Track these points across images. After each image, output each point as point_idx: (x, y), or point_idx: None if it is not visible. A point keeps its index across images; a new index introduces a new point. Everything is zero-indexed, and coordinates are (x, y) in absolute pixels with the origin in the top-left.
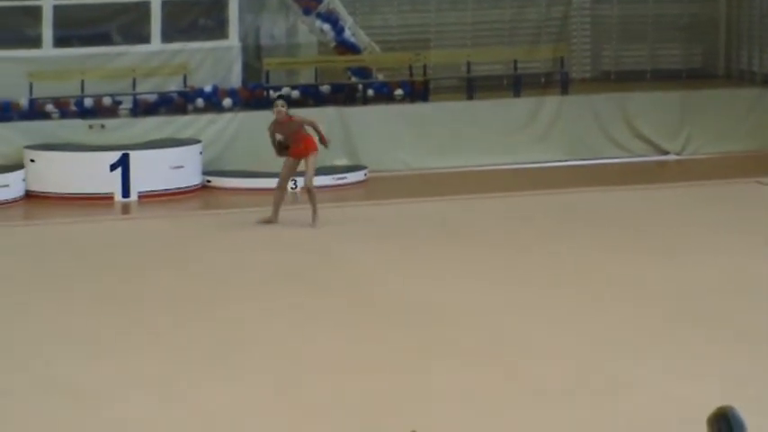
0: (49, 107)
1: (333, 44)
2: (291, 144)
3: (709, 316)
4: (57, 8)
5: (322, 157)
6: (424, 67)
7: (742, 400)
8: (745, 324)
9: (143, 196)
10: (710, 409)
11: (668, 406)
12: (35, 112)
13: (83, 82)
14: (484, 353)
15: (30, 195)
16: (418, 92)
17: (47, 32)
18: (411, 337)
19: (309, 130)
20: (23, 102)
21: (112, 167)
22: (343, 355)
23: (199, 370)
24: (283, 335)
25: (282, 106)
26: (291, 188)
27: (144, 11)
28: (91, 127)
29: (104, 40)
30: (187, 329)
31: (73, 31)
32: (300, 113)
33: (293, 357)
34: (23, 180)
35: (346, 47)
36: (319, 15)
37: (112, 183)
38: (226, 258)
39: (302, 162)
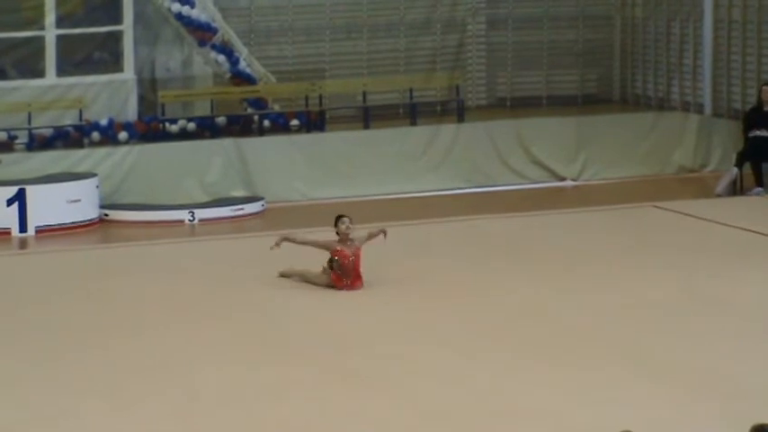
0: None
1: (228, 75)
2: (345, 272)
3: (606, 342)
4: None
5: (217, 188)
6: (320, 96)
7: (641, 425)
8: (642, 349)
9: (40, 231)
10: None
11: (567, 430)
12: None
13: None
14: (376, 377)
15: None
16: (314, 122)
17: None
18: (307, 364)
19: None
20: None
21: (9, 202)
22: (240, 383)
23: (97, 402)
24: (179, 365)
25: (350, 223)
26: (189, 220)
27: (38, 45)
28: None
29: None
30: (84, 362)
31: None
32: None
33: (189, 387)
34: None
35: (242, 78)
36: (214, 47)
37: (9, 218)
38: (125, 291)
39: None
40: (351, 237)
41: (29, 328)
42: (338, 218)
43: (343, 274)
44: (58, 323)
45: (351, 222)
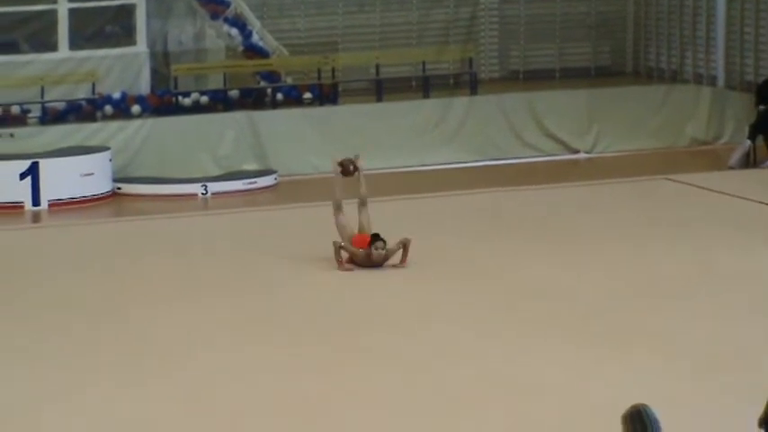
0: None
1: (241, 48)
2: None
3: (619, 317)
4: None
5: (230, 162)
6: (333, 69)
7: (656, 400)
8: (654, 324)
9: (53, 204)
10: (623, 408)
11: (577, 406)
12: None
13: None
14: (397, 356)
15: None
16: (327, 95)
17: None
18: (320, 341)
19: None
20: None
21: (22, 176)
22: (264, 359)
23: (110, 378)
24: (191, 340)
25: (382, 249)
26: (202, 194)
27: (51, 19)
28: (0, 136)
29: (11, 48)
30: (97, 337)
31: None
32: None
33: (200, 365)
34: None
35: (254, 51)
36: (227, 20)
37: (22, 191)
38: (137, 265)
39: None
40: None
41: (41, 303)
42: (374, 240)
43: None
44: (70, 298)
45: (384, 248)
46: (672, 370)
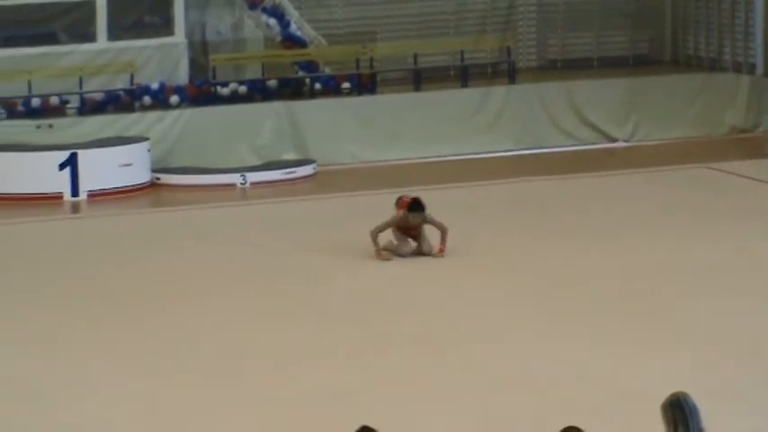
0: None
1: (279, 39)
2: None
3: (657, 302)
4: (2, 8)
5: (269, 152)
6: (371, 59)
7: (689, 388)
8: (694, 312)
9: (92, 195)
10: (661, 396)
11: (612, 392)
12: None
13: (30, 82)
14: (434, 344)
15: None
16: (365, 84)
17: None
18: (359, 330)
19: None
20: None
21: (61, 167)
22: (291, 348)
23: (148, 368)
24: (232, 330)
25: (417, 218)
26: (240, 184)
27: (90, 9)
28: (39, 127)
29: (51, 39)
30: (140, 327)
31: (19, 31)
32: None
33: (242, 352)
34: None
35: (293, 41)
36: (265, 10)
37: (61, 182)
38: (176, 255)
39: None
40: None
41: (81, 293)
42: (413, 207)
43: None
44: (108, 287)
45: (421, 218)
46: (711, 358)
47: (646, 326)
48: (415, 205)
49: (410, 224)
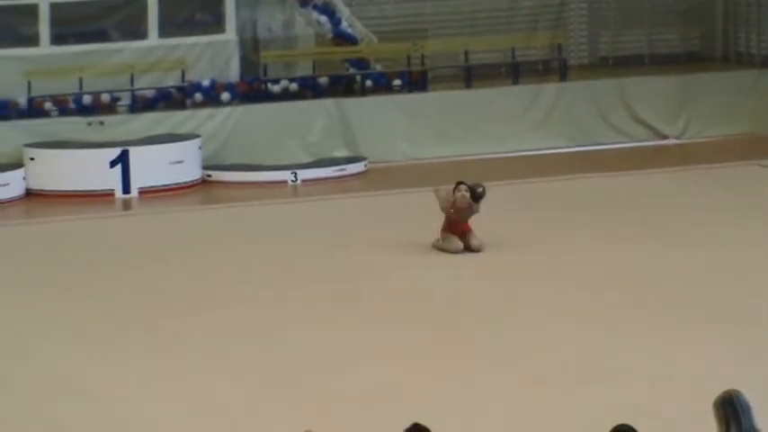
0: (48, 105)
1: (330, 36)
2: (452, 226)
3: (711, 300)
4: (53, 6)
5: (320, 149)
6: (422, 56)
7: (740, 383)
8: (747, 310)
9: (143, 192)
10: (712, 393)
11: (670, 390)
12: (34, 110)
13: (81, 79)
14: (484, 342)
15: (30, 194)
16: (416, 81)
17: (44, 30)
18: (412, 327)
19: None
20: (22, 100)
21: (112, 164)
22: (344, 346)
23: (202, 366)
24: (285, 328)
25: (466, 191)
26: (291, 181)
27: (141, 6)
28: (90, 124)
29: (102, 36)
30: (191, 325)
31: (70, 28)
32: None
33: (295, 351)
34: (23, 178)
35: (343, 38)
36: (316, 7)
37: (113, 179)
38: (228, 252)
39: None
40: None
41: (133, 290)
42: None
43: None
44: (161, 285)
45: (467, 191)
46: (763, 356)
47: (702, 323)
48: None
49: (458, 207)
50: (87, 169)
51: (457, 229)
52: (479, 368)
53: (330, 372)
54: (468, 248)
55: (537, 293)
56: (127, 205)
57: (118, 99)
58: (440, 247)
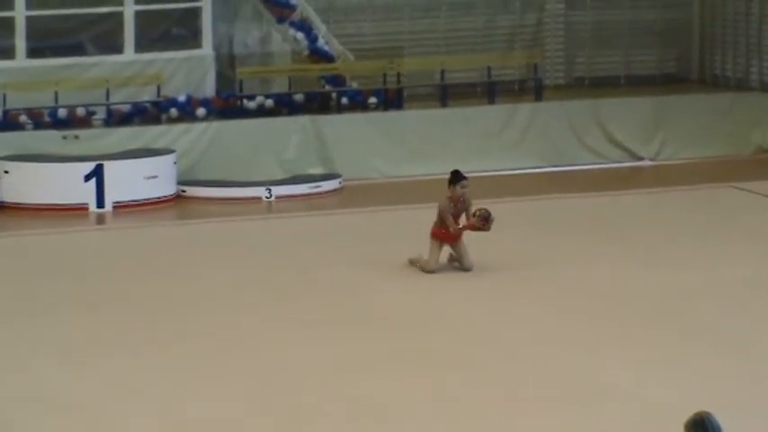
0: (23, 118)
1: (306, 52)
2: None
3: (688, 322)
4: (30, 19)
5: (295, 166)
6: (398, 74)
7: (719, 406)
8: (724, 330)
9: (118, 206)
10: (689, 413)
11: (649, 412)
12: (9, 123)
13: (56, 93)
14: (468, 360)
15: (3, 206)
16: (392, 99)
17: (20, 43)
18: (392, 344)
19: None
20: None
21: (87, 178)
22: (327, 363)
23: (176, 381)
24: (263, 340)
25: (464, 187)
26: (266, 197)
27: (117, 21)
28: (65, 137)
29: (78, 50)
30: (167, 339)
31: (46, 41)
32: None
33: (271, 367)
34: None
35: (320, 55)
36: (293, 24)
37: (87, 193)
38: (201, 268)
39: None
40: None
41: (104, 304)
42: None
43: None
44: (133, 299)
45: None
46: (739, 376)
47: (681, 342)
48: (457, 174)
49: (458, 199)
50: (62, 183)
51: (447, 234)
52: (454, 384)
53: (307, 389)
54: (459, 263)
55: (514, 312)
56: (101, 219)
57: (93, 113)
58: (418, 265)
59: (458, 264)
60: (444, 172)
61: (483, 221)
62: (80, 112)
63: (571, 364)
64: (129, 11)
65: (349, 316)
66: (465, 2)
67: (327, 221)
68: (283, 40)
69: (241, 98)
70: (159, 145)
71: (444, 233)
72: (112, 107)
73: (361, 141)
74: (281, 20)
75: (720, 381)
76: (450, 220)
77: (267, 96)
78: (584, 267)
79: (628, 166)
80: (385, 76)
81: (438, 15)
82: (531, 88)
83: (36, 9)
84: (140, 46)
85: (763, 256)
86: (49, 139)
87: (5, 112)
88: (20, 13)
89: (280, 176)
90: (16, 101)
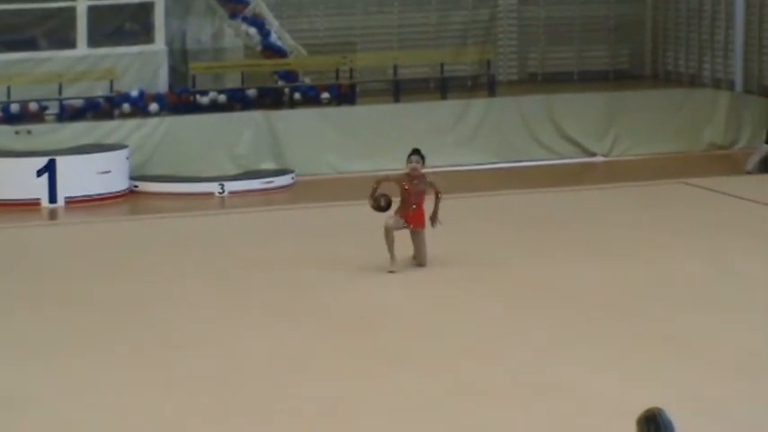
0: None
1: (259, 48)
2: (404, 207)
3: (638, 317)
4: None
5: (247, 161)
6: (351, 70)
7: (676, 402)
8: (676, 325)
9: (70, 202)
10: (640, 409)
11: (599, 407)
12: None
13: (9, 87)
14: (420, 355)
15: None
16: (345, 95)
17: None
18: (345, 341)
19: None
20: None
21: (39, 173)
22: (284, 358)
23: (132, 378)
24: (216, 338)
25: (417, 162)
26: (219, 193)
27: (70, 16)
28: (17, 132)
29: (30, 45)
30: (116, 333)
31: None
32: (433, 178)
33: (227, 365)
34: None
35: (273, 50)
36: (245, 19)
37: (39, 188)
38: (154, 263)
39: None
40: (418, 176)
41: (56, 300)
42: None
43: (402, 206)
44: (85, 295)
45: (418, 162)
46: (689, 372)
47: (633, 338)
48: (413, 151)
49: (412, 175)
50: (14, 178)
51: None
52: (406, 382)
53: (263, 386)
54: (415, 258)
55: (467, 308)
56: (53, 215)
57: (46, 108)
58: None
59: (414, 260)
60: (397, 168)
61: (373, 201)
62: (33, 107)
63: (523, 359)
64: (81, 6)
65: (302, 312)
66: None
67: (280, 217)
68: (236, 36)
69: (194, 93)
70: (112, 140)
71: (406, 213)
72: (65, 102)
73: (313, 137)
74: (233, 15)
75: (672, 377)
76: (387, 183)
77: (220, 92)
78: (537, 263)
79: (581, 161)
80: (338, 71)
81: (391, 11)
82: (484, 84)
83: None
84: (93, 41)
85: (714, 252)
86: (1, 134)
87: None
88: None
89: (232, 172)
90: None
